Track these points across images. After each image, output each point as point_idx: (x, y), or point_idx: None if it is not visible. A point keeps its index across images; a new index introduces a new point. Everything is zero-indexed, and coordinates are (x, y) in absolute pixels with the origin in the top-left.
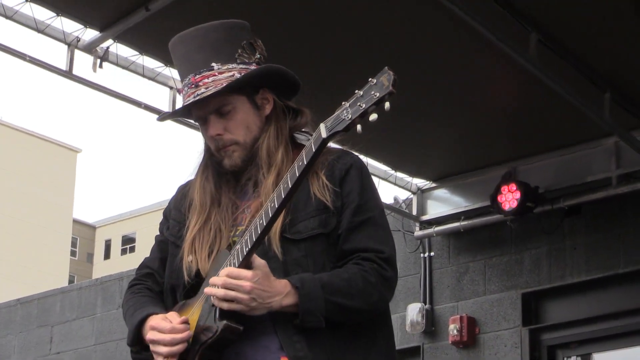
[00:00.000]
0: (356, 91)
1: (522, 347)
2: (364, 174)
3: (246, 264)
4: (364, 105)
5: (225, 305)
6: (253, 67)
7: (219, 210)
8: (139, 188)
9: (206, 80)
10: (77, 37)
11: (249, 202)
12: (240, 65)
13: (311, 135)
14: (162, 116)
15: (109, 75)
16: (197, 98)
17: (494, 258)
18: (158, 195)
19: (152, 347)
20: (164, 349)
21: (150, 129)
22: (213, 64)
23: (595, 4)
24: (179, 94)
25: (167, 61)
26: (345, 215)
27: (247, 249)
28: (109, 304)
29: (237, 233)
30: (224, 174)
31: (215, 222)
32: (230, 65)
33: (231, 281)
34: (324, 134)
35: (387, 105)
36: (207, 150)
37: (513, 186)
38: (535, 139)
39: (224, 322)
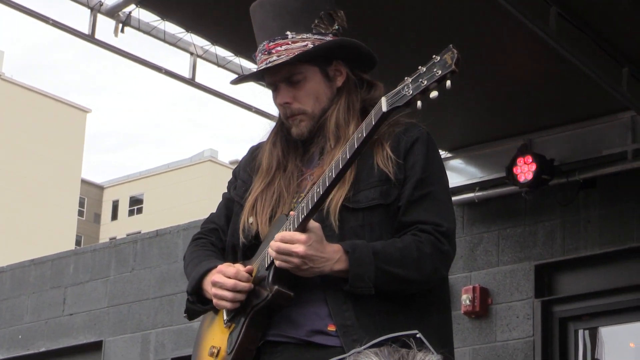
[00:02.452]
0: (419, 67)
1: (534, 318)
2: (430, 148)
3: (302, 229)
4: (425, 82)
5: (278, 264)
6: (329, 38)
7: (284, 175)
8: (148, 149)
9: (279, 48)
10: (100, 1)
11: (313, 169)
12: (315, 36)
13: None
14: (237, 79)
15: (130, 39)
16: (268, 65)
17: (508, 229)
18: (166, 157)
19: (213, 290)
20: (226, 293)
21: (161, 91)
22: (288, 33)
23: None
24: (255, 59)
25: (189, 27)
26: (407, 188)
27: (302, 216)
28: (123, 267)
29: (298, 200)
30: (293, 142)
31: (278, 187)
32: (305, 35)
33: (284, 245)
34: (384, 108)
35: (448, 83)
36: (279, 116)
37: (529, 158)
38: (552, 112)
39: (276, 287)
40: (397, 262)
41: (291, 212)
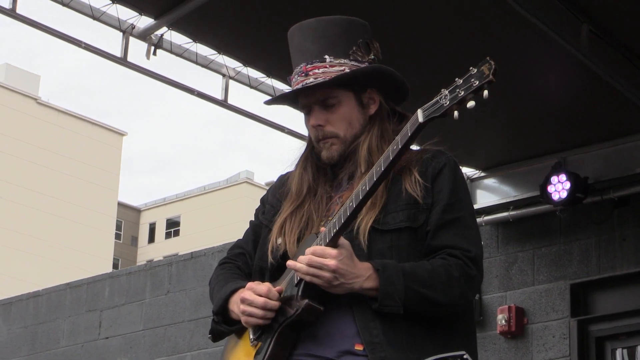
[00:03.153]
0: (456, 79)
1: (570, 338)
2: (457, 175)
3: (333, 244)
4: (462, 93)
5: (308, 278)
6: (365, 66)
7: (314, 200)
8: (184, 172)
9: (316, 70)
10: (132, 24)
11: (342, 194)
12: (353, 62)
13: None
14: (271, 100)
15: (162, 62)
16: (304, 86)
17: (543, 248)
18: (202, 179)
19: (242, 307)
20: (256, 311)
21: (195, 114)
22: (326, 56)
23: None
24: (290, 82)
25: (220, 49)
26: (435, 212)
27: (334, 230)
28: (158, 289)
29: (327, 222)
30: (323, 167)
31: (308, 211)
32: (343, 60)
33: (316, 259)
34: (420, 119)
35: (485, 93)
36: (310, 141)
37: (563, 176)
38: (585, 130)
39: (306, 301)
40: (426, 283)
41: (322, 229)
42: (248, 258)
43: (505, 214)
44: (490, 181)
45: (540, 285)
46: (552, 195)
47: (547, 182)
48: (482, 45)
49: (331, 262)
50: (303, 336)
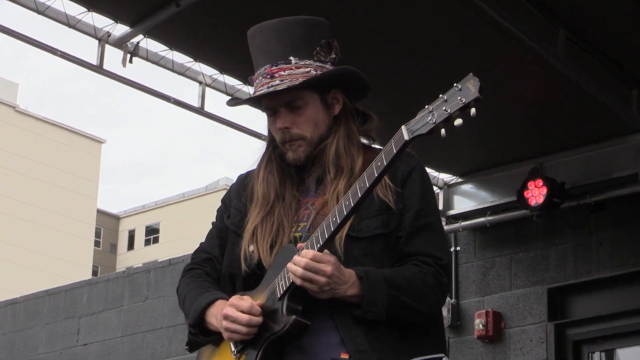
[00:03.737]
0: (440, 95)
1: (547, 342)
2: (425, 178)
3: None
4: (449, 110)
5: (299, 282)
6: (328, 66)
7: (283, 205)
8: (163, 179)
9: (282, 73)
10: (108, 32)
11: (312, 199)
12: (317, 63)
13: (374, 140)
14: (232, 102)
15: (138, 70)
16: (272, 89)
17: (520, 253)
18: (182, 186)
19: (225, 323)
20: (241, 328)
21: (174, 121)
22: (291, 58)
23: (623, 1)
24: (252, 82)
25: (197, 57)
26: (407, 218)
27: (318, 245)
28: (136, 296)
29: (298, 229)
30: (287, 169)
31: (278, 217)
32: (308, 62)
33: (314, 264)
34: (406, 136)
35: (473, 111)
36: (271, 142)
37: (539, 182)
38: (562, 135)
39: (293, 317)
40: (405, 290)
41: (299, 245)
42: (216, 263)
43: (482, 219)
44: (468, 187)
45: (517, 290)
46: (529, 200)
47: (524, 187)
48: (458, 52)
49: (328, 268)
50: (289, 347)
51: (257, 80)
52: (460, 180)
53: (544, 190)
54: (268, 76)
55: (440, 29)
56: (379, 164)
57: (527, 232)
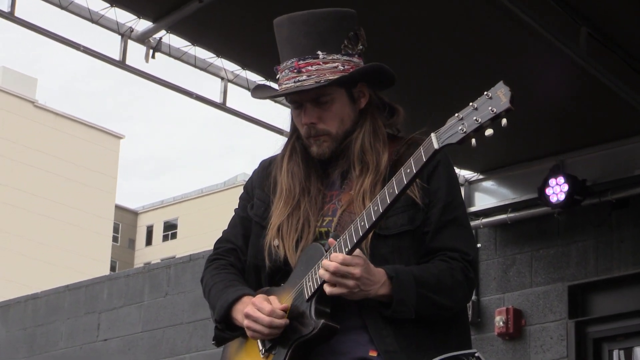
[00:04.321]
0: (470, 103)
1: (568, 339)
2: (451, 172)
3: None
4: (480, 120)
5: (328, 290)
6: (355, 58)
7: (309, 199)
8: (182, 175)
9: (310, 68)
10: (131, 27)
11: (338, 193)
12: (344, 57)
13: (399, 131)
14: (257, 95)
15: (161, 65)
16: (299, 87)
17: (541, 250)
18: (200, 182)
19: (246, 322)
20: (262, 329)
21: (194, 117)
22: (319, 52)
23: None
24: (277, 71)
25: (219, 52)
26: (433, 213)
27: (346, 250)
28: (156, 292)
29: (324, 224)
30: (312, 161)
31: (304, 212)
32: (335, 56)
33: (344, 268)
34: (436, 145)
35: (504, 121)
36: (295, 131)
37: (561, 179)
38: (583, 132)
39: (322, 321)
40: (435, 288)
41: (330, 240)
42: (240, 253)
43: (503, 216)
44: (489, 184)
45: (538, 287)
46: (550, 197)
47: (545, 184)
48: (481, 48)
49: (356, 271)
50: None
51: (283, 73)
52: (481, 177)
53: (565, 188)
54: (295, 70)
55: (463, 26)
56: (408, 170)
57: (548, 229)
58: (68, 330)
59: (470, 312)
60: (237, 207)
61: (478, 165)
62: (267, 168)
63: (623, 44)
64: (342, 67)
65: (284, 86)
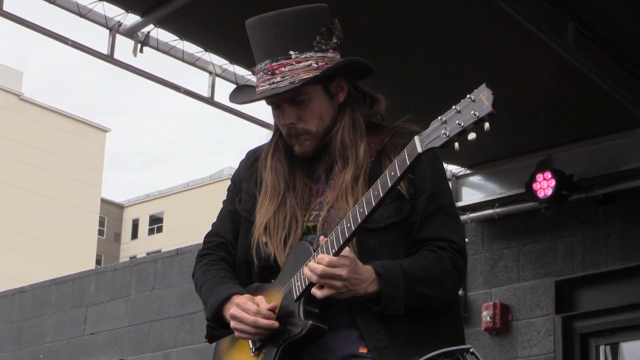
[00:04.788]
0: (453, 106)
1: (555, 334)
2: (436, 159)
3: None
4: (462, 124)
5: (318, 294)
6: (330, 53)
7: (294, 194)
8: (168, 168)
9: (283, 69)
10: (119, 22)
11: (324, 187)
12: (318, 54)
13: (383, 119)
14: (237, 101)
15: (149, 59)
16: (273, 90)
17: (528, 245)
18: (186, 175)
19: (232, 324)
20: (248, 328)
21: (183, 111)
22: (291, 52)
23: None
24: (254, 72)
25: (207, 46)
26: (420, 203)
27: (333, 251)
28: (143, 286)
29: (311, 218)
30: (296, 157)
31: (290, 207)
32: (308, 54)
33: (331, 269)
34: (419, 149)
35: (486, 125)
36: (278, 129)
37: (548, 174)
38: (570, 127)
39: (310, 322)
40: (424, 281)
41: (321, 238)
42: (230, 247)
43: (490, 211)
44: (476, 178)
45: (525, 282)
46: (538, 192)
47: (533, 179)
48: (466, 42)
49: (343, 272)
50: None
51: (258, 75)
52: (468, 172)
53: (553, 183)
54: (269, 72)
55: (449, 20)
56: (392, 173)
57: (535, 225)
58: (55, 324)
59: None
60: (225, 199)
61: (465, 160)
62: (252, 160)
63: (610, 39)
64: (316, 65)
65: (260, 88)
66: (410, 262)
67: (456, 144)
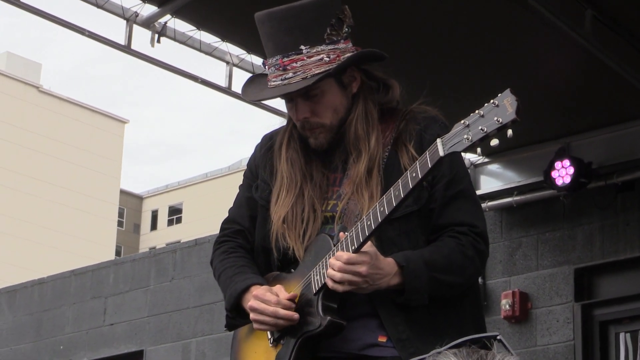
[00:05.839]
0: (477, 111)
1: (574, 322)
2: None
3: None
4: (485, 129)
5: (340, 288)
6: (341, 44)
7: (312, 185)
8: (186, 159)
9: (294, 64)
10: (136, 12)
11: (341, 177)
12: (329, 47)
13: (398, 104)
14: (249, 95)
15: (166, 50)
16: (286, 86)
17: (547, 233)
18: (205, 166)
19: (252, 315)
20: (267, 319)
21: (200, 101)
22: (302, 47)
23: None
24: (264, 67)
25: (224, 36)
26: (438, 190)
27: (353, 248)
28: (162, 276)
29: (329, 208)
30: (312, 148)
31: (309, 198)
32: (319, 48)
33: (349, 267)
34: (441, 152)
35: (509, 132)
36: (292, 120)
37: (566, 162)
38: (589, 115)
39: (329, 318)
40: (446, 269)
41: (340, 234)
42: (247, 234)
43: (509, 199)
44: (494, 167)
45: (544, 270)
46: (556, 180)
47: (551, 167)
48: (485, 31)
49: (363, 269)
50: None
51: (270, 69)
52: (486, 160)
53: (571, 171)
54: (280, 68)
55: (468, 9)
56: (414, 175)
57: (554, 212)
58: (74, 315)
59: None
60: (241, 184)
61: (484, 148)
62: (268, 146)
63: (628, 26)
64: (328, 58)
65: (272, 83)
66: (431, 250)
67: (478, 150)
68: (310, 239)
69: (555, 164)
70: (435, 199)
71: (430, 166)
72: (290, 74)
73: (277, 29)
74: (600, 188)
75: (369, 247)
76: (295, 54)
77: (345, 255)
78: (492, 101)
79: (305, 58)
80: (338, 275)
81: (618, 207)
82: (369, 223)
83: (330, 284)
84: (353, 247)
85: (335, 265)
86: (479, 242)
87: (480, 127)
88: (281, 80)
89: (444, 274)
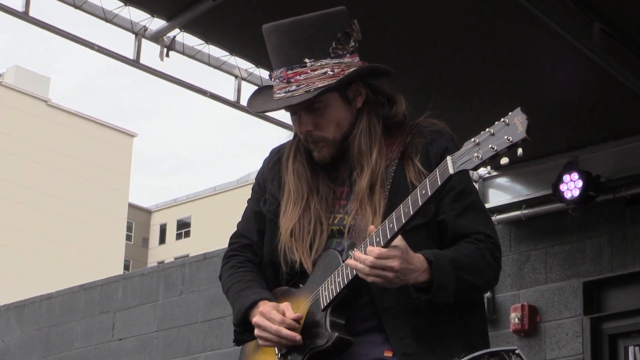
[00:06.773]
0: (487, 129)
1: (583, 335)
2: None
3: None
4: (495, 148)
5: (370, 279)
6: (347, 58)
7: (318, 198)
8: (195, 173)
9: (298, 77)
10: (145, 26)
11: (348, 191)
12: (334, 60)
13: (405, 118)
14: (254, 107)
15: (175, 64)
16: (289, 99)
17: (556, 247)
18: (213, 180)
19: (256, 332)
20: (271, 337)
21: (209, 115)
22: (306, 60)
23: None
24: (270, 78)
25: (233, 50)
26: (446, 202)
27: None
28: (171, 291)
29: (335, 221)
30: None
31: (315, 212)
32: (324, 61)
33: (381, 262)
34: (451, 170)
35: (520, 151)
36: (297, 134)
37: (575, 175)
38: (597, 128)
39: (336, 334)
40: (470, 269)
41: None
42: (256, 248)
43: (517, 212)
44: (503, 180)
45: (553, 284)
46: (565, 193)
47: (560, 180)
48: (493, 43)
49: (395, 263)
50: None
51: (275, 81)
52: (495, 173)
53: (580, 184)
54: (284, 81)
55: (477, 21)
56: (424, 192)
57: (562, 226)
58: (83, 330)
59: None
60: (249, 198)
61: (492, 162)
62: (275, 159)
63: (636, 39)
64: (332, 72)
65: (276, 96)
66: (454, 251)
67: (488, 168)
68: (317, 252)
69: (564, 177)
70: (443, 210)
71: (440, 184)
72: (294, 87)
73: (282, 41)
74: (608, 201)
75: (399, 241)
76: (299, 67)
77: (376, 249)
78: (502, 119)
79: (309, 71)
80: (367, 269)
81: (627, 220)
82: (377, 240)
83: (367, 279)
84: (346, 281)
85: (367, 260)
86: (495, 250)
87: (490, 146)
88: (285, 92)
89: (468, 274)
